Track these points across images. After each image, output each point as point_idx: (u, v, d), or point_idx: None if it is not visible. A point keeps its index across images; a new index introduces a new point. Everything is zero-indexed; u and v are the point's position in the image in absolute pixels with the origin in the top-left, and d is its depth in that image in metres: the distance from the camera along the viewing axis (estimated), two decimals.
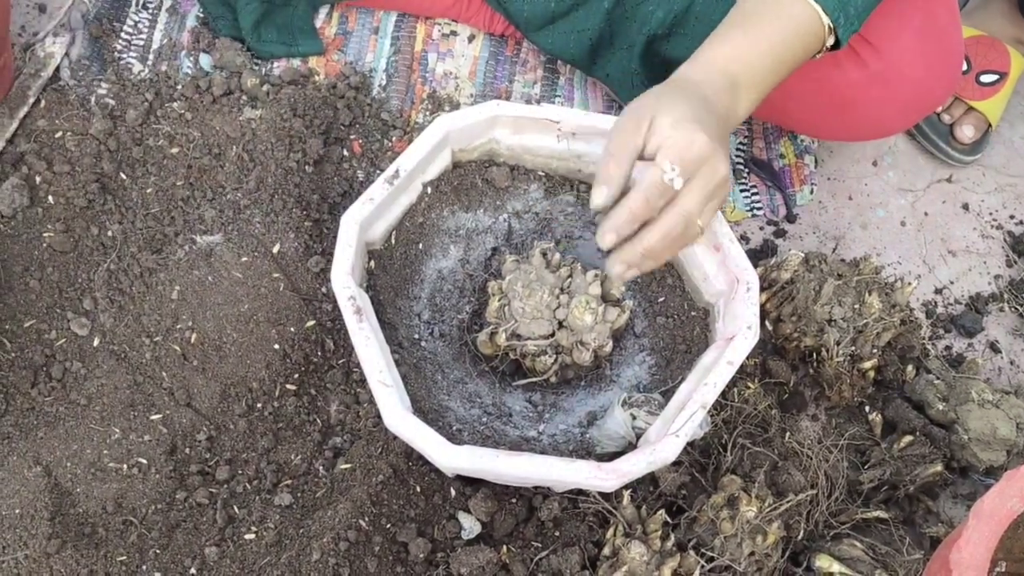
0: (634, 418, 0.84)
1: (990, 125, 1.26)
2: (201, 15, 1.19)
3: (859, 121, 1.08)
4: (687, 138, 0.74)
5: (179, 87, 1.14)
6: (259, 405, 0.97)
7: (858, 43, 1.00)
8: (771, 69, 0.83)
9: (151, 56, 1.18)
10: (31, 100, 1.11)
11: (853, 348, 1.02)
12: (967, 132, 1.25)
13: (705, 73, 0.81)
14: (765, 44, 0.82)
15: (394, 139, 1.15)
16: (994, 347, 1.16)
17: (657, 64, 1.10)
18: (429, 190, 0.93)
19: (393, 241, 0.92)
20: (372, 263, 0.91)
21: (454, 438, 0.83)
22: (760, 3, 0.83)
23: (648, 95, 0.78)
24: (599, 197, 0.76)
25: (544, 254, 0.90)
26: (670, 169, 0.74)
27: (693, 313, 0.93)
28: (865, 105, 1.04)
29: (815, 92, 1.04)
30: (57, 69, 1.14)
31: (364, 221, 0.85)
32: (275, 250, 1.01)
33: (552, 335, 0.89)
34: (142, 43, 1.19)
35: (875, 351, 1.04)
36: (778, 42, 0.82)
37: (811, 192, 1.21)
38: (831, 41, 0.86)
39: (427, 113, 1.19)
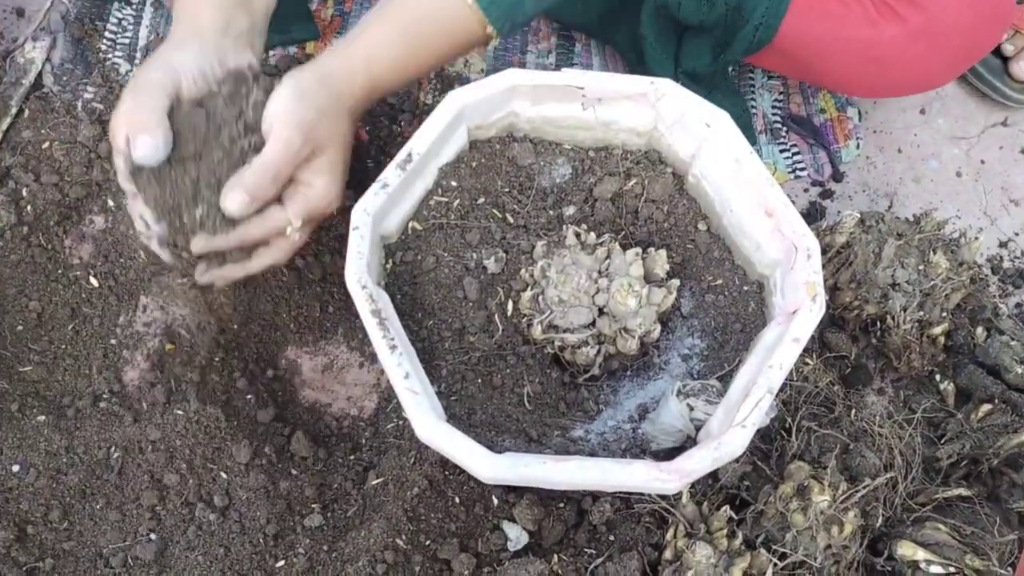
0: (691, 409, 0.76)
1: None
2: None
3: (901, 78, 1.00)
4: (327, 200, 0.78)
5: None
6: None
7: None
8: (406, 58, 0.81)
9: (138, 55, 1.10)
10: (14, 110, 1.04)
11: (921, 313, 0.94)
12: None
13: (346, 62, 0.79)
14: (398, 34, 0.80)
15: (403, 123, 1.07)
16: None
17: (666, 27, 1.01)
18: (446, 173, 0.85)
19: (410, 232, 0.84)
20: (389, 261, 0.83)
21: (493, 444, 0.75)
22: None
23: (310, 108, 0.76)
24: (236, 205, 0.74)
25: (578, 235, 0.82)
26: (296, 223, 0.77)
27: (746, 288, 0.85)
28: (906, 62, 0.96)
29: (848, 52, 0.96)
30: (39, 75, 1.07)
31: (377, 212, 0.77)
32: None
33: (593, 324, 0.81)
34: (128, 41, 1.11)
35: (945, 314, 0.95)
36: (413, 32, 0.81)
37: (857, 147, 1.12)
38: (491, 30, 0.82)
39: (436, 93, 1.11)
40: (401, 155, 0.79)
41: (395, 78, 0.82)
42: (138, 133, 0.72)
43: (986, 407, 0.94)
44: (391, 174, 0.79)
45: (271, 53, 1.10)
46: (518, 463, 0.70)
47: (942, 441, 0.94)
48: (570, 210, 0.86)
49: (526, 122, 0.86)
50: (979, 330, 0.99)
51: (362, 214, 0.77)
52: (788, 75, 1.14)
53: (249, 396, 0.91)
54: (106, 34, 1.11)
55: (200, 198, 0.74)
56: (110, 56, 1.10)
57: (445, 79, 1.11)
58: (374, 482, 0.87)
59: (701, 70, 1.03)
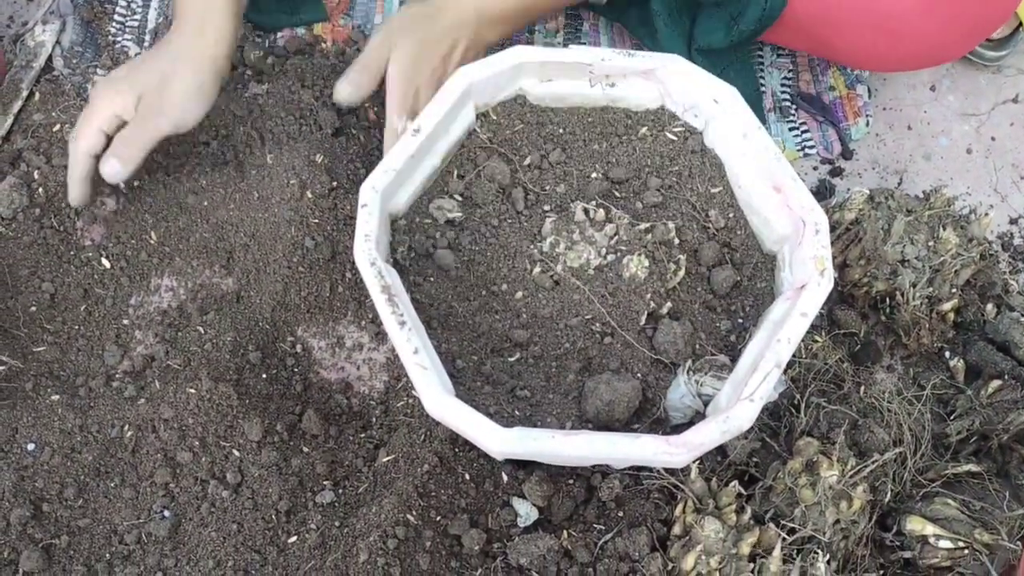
0: (699, 384, 0.76)
1: (1021, 23, 1.15)
2: None
3: (914, 51, 0.99)
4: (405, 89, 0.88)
5: None
6: None
7: None
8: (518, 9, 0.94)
9: (147, 37, 1.11)
10: (24, 94, 1.05)
11: (930, 289, 0.94)
12: None
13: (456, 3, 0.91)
14: None
15: None
16: None
17: (679, 3, 1.01)
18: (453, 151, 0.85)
19: (418, 209, 0.84)
20: (397, 243, 0.83)
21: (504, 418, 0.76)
22: None
23: (395, 20, 0.92)
24: (344, 93, 0.93)
25: (586, 211, 0.82)
26: (401, 121, 0.87)
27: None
28: (921, 34, 0.95)
29: (862, 24, 0.95)
30: (49, 59, 1.07)
31: (385, 189, 0.78)
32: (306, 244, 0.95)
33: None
34: (137, 24, 1.11)
35: (954, 290, 0.95)
36: None
37: (867, 124, 1.11)
38: None
39: None
40: (409, 132, 0.80)
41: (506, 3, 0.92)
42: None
43: (996, 383, 0.93)
44: (399, 152, 0.79)
45: (279, 35, 1.10)
46: (527, 437, 0.70)
47: (951, 417, 0.94)
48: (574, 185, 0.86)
49: (534, 100, 0.87)
50: (989, 306, 0.99)
51: (371, 191, 0.77)
52: (800, 49, 1.13)
53: (261, 374, 0.92)
54: (115, 17, 1.11)
55: None
56: (119, 39, 1.10)
57: None
58: (385, 459, 0.87)
59: (715, 46, 1.02)
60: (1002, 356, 0.96)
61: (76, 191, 0.92)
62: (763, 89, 1.12)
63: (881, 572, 0.86)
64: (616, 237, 0.81)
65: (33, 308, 0.95)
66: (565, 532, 0.84)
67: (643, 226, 0.82)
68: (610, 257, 0.81)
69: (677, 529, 0.83)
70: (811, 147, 1.10)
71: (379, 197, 0.77)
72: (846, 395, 0.91)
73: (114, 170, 0.88)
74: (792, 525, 0.82)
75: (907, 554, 0.84)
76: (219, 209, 0.99)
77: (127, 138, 0.88)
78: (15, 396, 0.90)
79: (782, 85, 1.13)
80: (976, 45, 1.08)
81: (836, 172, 1.10)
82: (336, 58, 1.08)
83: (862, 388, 0.92)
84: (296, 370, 0.94)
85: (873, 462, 0.83)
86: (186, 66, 0.89)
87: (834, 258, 0.96)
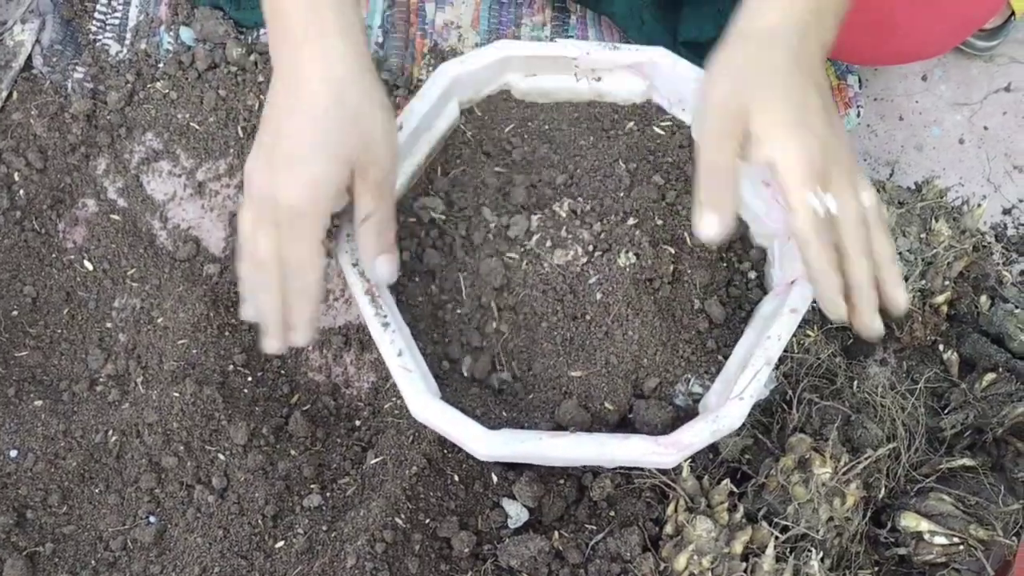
0: (689, 383, 0.75)
1: (1013, 13, 1.14)
2: None
3: (902, 45, 0.98)
4: (803, 146, 0.61)
5: (161, 65, 1.06)
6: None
7: None
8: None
9: (128, 35, 1.09)
10: (4, 94, 1.03)
11: (923, 282, 0.93)
12: None
13: (784, 14, 0.66)
14: None
15: (398, 98, 1.06)
16: None
17: None
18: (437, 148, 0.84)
19: (402, 208, 0.83)
20: None
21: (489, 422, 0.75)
22: None
23: (727, 69, 0.64)
24: (711, 228, 0.63)
25: (573, 208, 0.81)
26: (816, 199, 0.61)
27: None
28: (909, 28, 0.94)
29: (851, 19, 0.94)
30: (29, 58, 1.06)
31: None
32: None
33: None
34: (117, 22, 1.10)
35: (947, 283, 0.94)
36: None
37: (858, 116, 1.10)
38: None
39: (430, 69, 1.10)
40: None
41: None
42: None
43: (990, 376, 0.93)
44: None
45: (262, 32, 1.09)
46: (513, 439, 0.69)
47: (945, 411, 0.93)
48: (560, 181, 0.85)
49: (519, 95, 0.85)
50: (983, 298, 0.98)
51: None
52: None
53: (246, 377, 0.91)
54: (95, 15, 1.10)
55: None
56: (100, 37, 1.08)
57: (438, 54, 1.10)
58: (372, 461, 0.86)
59: (702, 39, 1.01)
60: (996, 348, 0.95)
61: (306, 333, 0.69)
62: None
63: (876, 569, 0.85)
64: (603, 233, 0.80)
65: (15, 312, 0.93)
66: (556, 533, 0.83)
67: (631, 222, 0.80)
68: (597, 253, 0.80)
69: (669, 528, 0.82)
70: None
71: None
72: (839, 390, 0.91)
73: (391, 267, 0.70)
74: (785, 523, 0.81)
75: (902, 551, 0.84)
76: None
77: (377, 220, 0.67)
78: None
79: None
80: (965, 39, 1.07)
81: None
82: None
83: (855, 383, 0.91)
84: (282, 372, 0.93)
85: (866, 458, 0.82)
86: (364, 98, 0.67)
87: None
